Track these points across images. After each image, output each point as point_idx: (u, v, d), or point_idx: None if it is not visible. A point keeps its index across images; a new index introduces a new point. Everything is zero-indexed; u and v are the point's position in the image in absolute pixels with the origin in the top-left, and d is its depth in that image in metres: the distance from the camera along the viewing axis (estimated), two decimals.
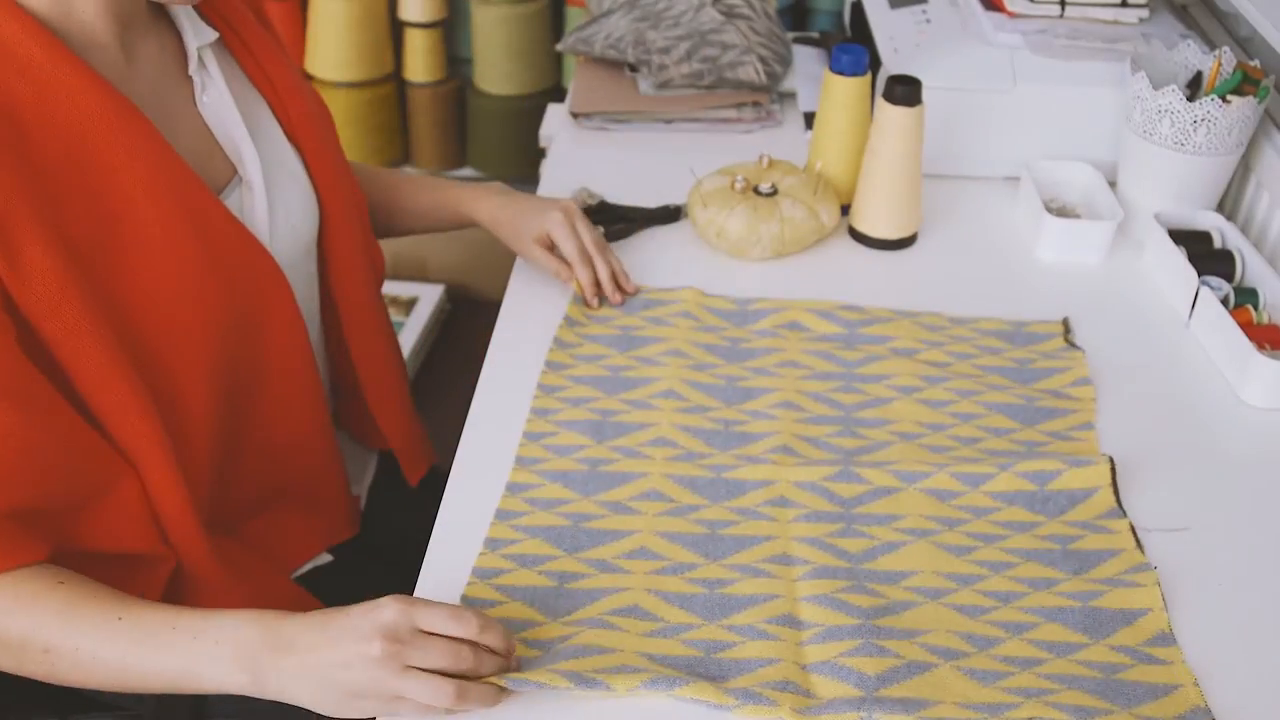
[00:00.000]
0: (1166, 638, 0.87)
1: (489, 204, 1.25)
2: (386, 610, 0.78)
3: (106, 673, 0.83)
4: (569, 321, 1.18)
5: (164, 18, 0.98)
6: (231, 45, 1.02)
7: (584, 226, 1.22)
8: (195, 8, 0.99)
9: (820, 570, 0.91)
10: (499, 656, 0.81)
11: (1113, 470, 1.00)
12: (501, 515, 0.97)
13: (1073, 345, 1.18)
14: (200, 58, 0.99)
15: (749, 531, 0.96)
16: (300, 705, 0.81)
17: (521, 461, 1.02)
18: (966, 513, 0.98)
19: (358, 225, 1.12)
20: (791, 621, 0.87)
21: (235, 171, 1.00)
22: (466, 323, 2.54)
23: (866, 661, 0.83)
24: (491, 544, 0.94)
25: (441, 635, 0.79)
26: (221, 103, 1.00)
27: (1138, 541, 0.95)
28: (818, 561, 0.92)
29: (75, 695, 1.09)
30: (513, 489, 0.99)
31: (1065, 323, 1.21)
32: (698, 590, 0.90)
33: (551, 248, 1.22)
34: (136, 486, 0.88)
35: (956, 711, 0.80)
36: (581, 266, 1.20)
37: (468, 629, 0.79)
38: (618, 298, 1.21)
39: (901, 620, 0.88)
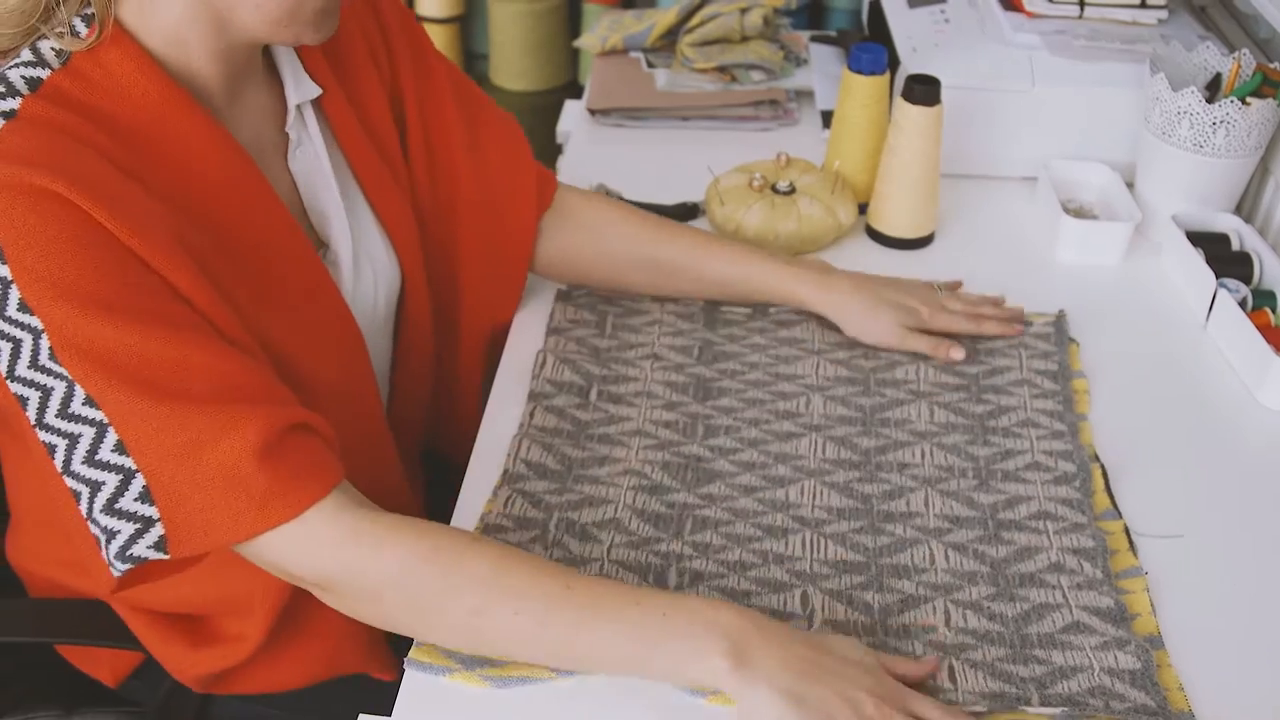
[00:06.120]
0: (1155, 641, 0.87)
1: (831, 294, 1.14)
2: (869, 675, 0.77)
3: (545, 644, 0.77)
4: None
5: (271, 67, 0.94)
6: (326, 104, 0.96)
7: (951, 301, 1.17)
8: (300, 59, 0.94)
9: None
10: None
11: (1105, 475, 1.00)
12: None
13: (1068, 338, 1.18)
14: (300, 113, 0.94)
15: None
16: (756, 700, 0.75)
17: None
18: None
19: (442, 283, 1.10)
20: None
21: (319, 241, 0.96)
22: None
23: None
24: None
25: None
26: (316, 165, 0.95)
27: (1131, 544, 0.95)
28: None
29: (83, 688, 1.08)
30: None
31: (1060, 315, 1.21)
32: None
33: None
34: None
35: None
36: (977, 327, 1.15)
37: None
38: (1018, 328, 1.17)
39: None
